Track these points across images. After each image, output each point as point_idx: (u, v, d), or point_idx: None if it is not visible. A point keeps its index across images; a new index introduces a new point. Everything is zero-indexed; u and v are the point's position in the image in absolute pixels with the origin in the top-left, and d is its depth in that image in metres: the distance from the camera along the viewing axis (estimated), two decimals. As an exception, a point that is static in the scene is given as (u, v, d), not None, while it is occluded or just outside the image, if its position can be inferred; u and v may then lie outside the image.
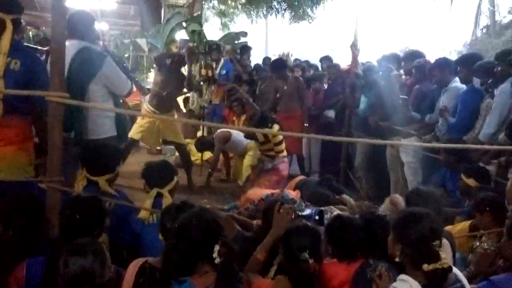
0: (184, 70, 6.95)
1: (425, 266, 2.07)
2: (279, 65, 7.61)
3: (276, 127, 6.16)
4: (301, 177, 5.68)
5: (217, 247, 2.24)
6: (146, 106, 6.79)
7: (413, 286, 2.04)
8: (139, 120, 6.61)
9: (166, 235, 2.60)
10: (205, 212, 2.40)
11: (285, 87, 7.42)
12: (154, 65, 7.04)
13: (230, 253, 2.28)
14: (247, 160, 6.85)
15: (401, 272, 2.21)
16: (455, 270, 2.22)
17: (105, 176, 3.35)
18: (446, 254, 2.54)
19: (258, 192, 5.00)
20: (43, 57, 5.55)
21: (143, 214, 3.21)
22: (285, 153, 6.40)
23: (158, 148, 8.71)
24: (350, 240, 2.67)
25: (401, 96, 5.79)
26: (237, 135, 6.93)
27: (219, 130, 7.01)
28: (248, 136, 6.57)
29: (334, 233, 2.71)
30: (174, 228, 2.38)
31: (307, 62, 9.66)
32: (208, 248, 2.24)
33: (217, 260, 2.23)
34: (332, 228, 2.75)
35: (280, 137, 6.32)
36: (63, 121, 3.78)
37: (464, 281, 2.19)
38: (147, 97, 6.96)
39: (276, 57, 10.00)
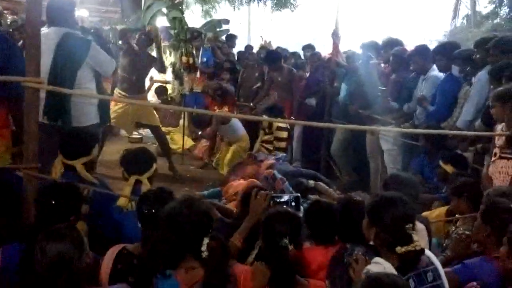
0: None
1: (398, 249, 2.10)
2: (274, 57, 7.65)
3: (282, 124, 6.34)
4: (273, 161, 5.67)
5: (206, 240, 2.18)
6: (116, 91, 6.73)
7: (387, 268, 2.06)
8: (112, 106, 6.54)
9: (144, 222, 2.58)
10: (196, 202, 2.33)
11: (279, 78, 7.47)
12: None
13: (220, 247, 2.24)
14: (234, 150, 6.86)
15: (378, 256, 2.24)
16: (428, 253, 2.26)
17: (80, 160, 3.30)
18: (421, 238, 2.59)
19: (243, 183, 5.00)
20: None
21: (121, 201, 3.18)
22: (281, 154, 6.42)
23: (136, 135, 8.65)
24: (328, 225, 2.70)
25: (380, 88, 5.81)
26: (237, 121, 6.96)
27: None
28: (253, 123, 6.61)
29: (313, 218, 2.73)
30: (162, 217, 2.31)
31: (286, 50, 9.65)
32: (197, 240, 2.17)
33: (204, 254, 2.16)
34: (311, 213, 2.78)
35: (284, 134, 6.38)
36: (50, 109, 3.78)
37: (437, 263, 2.23)
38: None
39: (258, 45, 9.98)
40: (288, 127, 6.68)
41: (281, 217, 2.38)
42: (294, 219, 2.40)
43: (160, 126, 7.01)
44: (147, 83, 7.81)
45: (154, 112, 6.81)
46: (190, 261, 2.20)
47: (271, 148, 6.47)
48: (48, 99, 3.85)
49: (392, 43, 6.20)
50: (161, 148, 6.82)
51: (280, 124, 6.46)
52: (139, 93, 6.69)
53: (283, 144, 6.47)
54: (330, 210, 2.76)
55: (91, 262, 2.26)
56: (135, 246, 2.54)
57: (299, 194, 3.06)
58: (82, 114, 4.07)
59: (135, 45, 6.73)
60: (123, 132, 8.50)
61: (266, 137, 6.49)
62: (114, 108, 6.42)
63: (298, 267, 2.52)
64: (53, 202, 2.49)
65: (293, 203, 2.95)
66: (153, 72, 8.03)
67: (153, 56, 6.83)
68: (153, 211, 2.50)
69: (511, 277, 2.40)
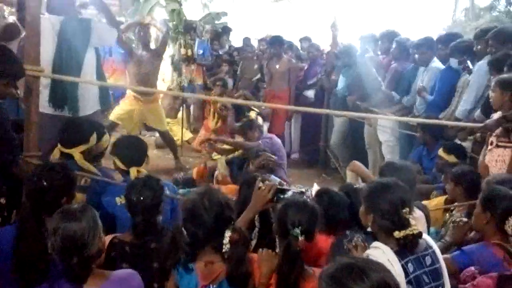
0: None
1: (396, 233, 2.11)
2: (277, 41, 7.57)
3: (252, 113, 6.24)
4: None
5: (228, 233, 2.14)
6: (128, 92, 6.60)
7: (386, 251, 2.08)
8: (122, 104, 6.50)
9: (132, 210, 2.58)
10: (216, 193, 2.28)
11: (277, 66, 7.43)
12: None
13: (242, 241, 2.18)
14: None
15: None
16: (426, 237, 2.27)
17: (78, 148, 3.27)
18: (420, 225, 2.60)
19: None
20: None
21: None
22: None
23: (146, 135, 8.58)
24: (337, 214, 2.71)
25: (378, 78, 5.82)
26: None
27: None
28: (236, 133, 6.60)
29: (322, 207, 2.69)
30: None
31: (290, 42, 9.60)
32: (218, 233, 2.15)
33: (226, 247, 2.13)
34: (320, 202, 2.71)
35: (260, 121, 6.31)
36: (56, 97, 3.79)
37: (435, 247, 2.24)
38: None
39: (258, 38, 9.95)
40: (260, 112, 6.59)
41: (299, 206, 2.31)
42: (311, 211, 2.31)
43: (168, 130, 6.96)
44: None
45: (163, 116, 6.75)
46: (210, 254, 2.17)
47: None
48: (54, 86, 3.84)
49: (390, 35, 6.22)
50: (170, 149, 6.86)
51: (253, 115, 6.36)
52: (151, 94, 6.42)
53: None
54: (340, 201, 2.77)
55: (103, 248, 2.20)
56: (125, 235, 2.57)
57: (303, 190, 3.03)
58: (85, 102, 4.07)
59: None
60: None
61: None
62: (123, 105, 6.39)
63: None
64: (44, 183, 2.43)
65: None
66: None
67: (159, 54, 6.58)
68: (142, 198, 2.52)
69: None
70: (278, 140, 5.48)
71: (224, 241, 2.12)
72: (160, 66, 6.78)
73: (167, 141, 6.86)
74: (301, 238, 2.20)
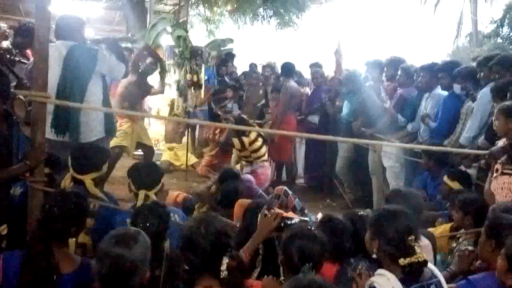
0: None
1: (401, 261, 2.11)
2: (287, 68, 7.60)
3: (253, 135, 6.25)
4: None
5: (225, 260, 2.15)
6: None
7: (390, 279, 2.07)
8: (119, 127, 6.50)
9: None
10: (214, 220, 2.28)
11: (284, 92, 7.44)
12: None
13: (239, 267, 2.22)
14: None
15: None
16: (432, 266, 2.26)
17: (90, 175, 3.28)
18: (427, 254, 2.58)
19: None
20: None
21: None
22: (264, 158, 6.40)
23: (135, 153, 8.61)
24: (341, 243, 2.68)
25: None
26: None
27: None
28: (225, 145, 6.64)
29: (326, 235, 2.65)
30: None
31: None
32: (216, 259, 2.15)
33: (223, 274, 2.13)
34: (324, 230, 2.68)
35: (258, 144, 6.34)
36: (58, 123, 3.83)
37: (440, 277, 2.23)
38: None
39: (263, 64, 10.05)
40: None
41: (308, 239, 2.31)
42: (319, 245, 2.32)
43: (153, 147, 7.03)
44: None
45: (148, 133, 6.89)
46: (208, 279, 2.16)
47: (251, 160, 6.37)
48: (57, 112, 3.89)
49: (395, 61, 6.26)
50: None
51: (252, 137, 6.32)
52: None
53: (260, 153, 6.34)
54: (344, 228, 2.74)
55: (148, 277, 2.07)
56: None
57: (307, 219, 3.02)
58: (88, 129, 4.10)
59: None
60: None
61: (243, 153, 6.43)
62: (121, 128, 6.40)
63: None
64: (56, 211, 2.41)
65: None
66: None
67: (150, 86, 6.86)
68: (148, 225, 2.50)
69: None
70: (251, 179, 5.20)
71: (222, 268, 2.12)
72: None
73: (148, 158, 6.69)
74: (312, 273, 2.18)
